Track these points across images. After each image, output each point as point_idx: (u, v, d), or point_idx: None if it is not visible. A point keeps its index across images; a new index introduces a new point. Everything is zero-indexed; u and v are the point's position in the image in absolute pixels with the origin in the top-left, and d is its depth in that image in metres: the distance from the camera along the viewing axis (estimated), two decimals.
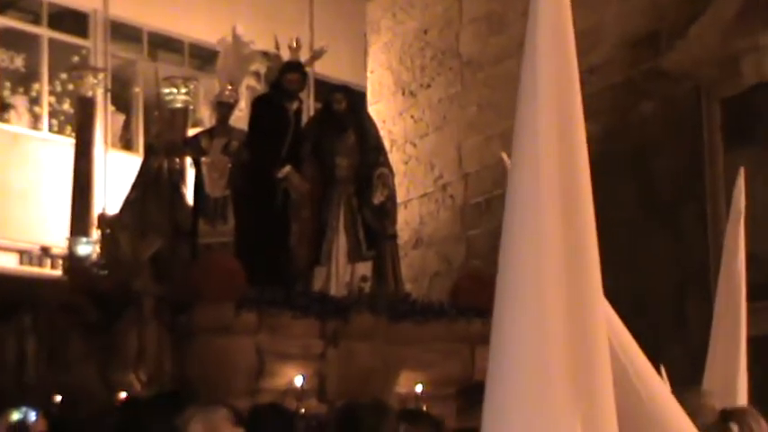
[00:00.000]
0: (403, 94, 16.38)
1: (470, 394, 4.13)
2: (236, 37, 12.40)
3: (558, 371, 1.85)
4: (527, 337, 1.86)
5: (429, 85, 15.97)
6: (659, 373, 5.48)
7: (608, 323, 2.14)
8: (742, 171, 5.14)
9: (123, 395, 9.44)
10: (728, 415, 2.75)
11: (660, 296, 11.74)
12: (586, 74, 12.54)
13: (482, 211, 14.39)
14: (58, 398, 9.62)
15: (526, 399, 1.84)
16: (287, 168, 11.21)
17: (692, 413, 2.74)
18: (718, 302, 4.42)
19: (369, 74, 17.13)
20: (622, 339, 2.26)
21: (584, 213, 1.94)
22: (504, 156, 2.68)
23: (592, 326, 1.89)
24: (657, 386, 2.31)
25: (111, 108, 18.22)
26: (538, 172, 1.93)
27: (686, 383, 4.56)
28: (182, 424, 4.21)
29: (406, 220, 15.24)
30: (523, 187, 1.94)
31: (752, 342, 4.79)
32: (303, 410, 9.72)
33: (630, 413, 1.98)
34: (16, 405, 10.51)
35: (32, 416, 10.00)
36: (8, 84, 18.01)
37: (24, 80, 18.22)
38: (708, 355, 4.05)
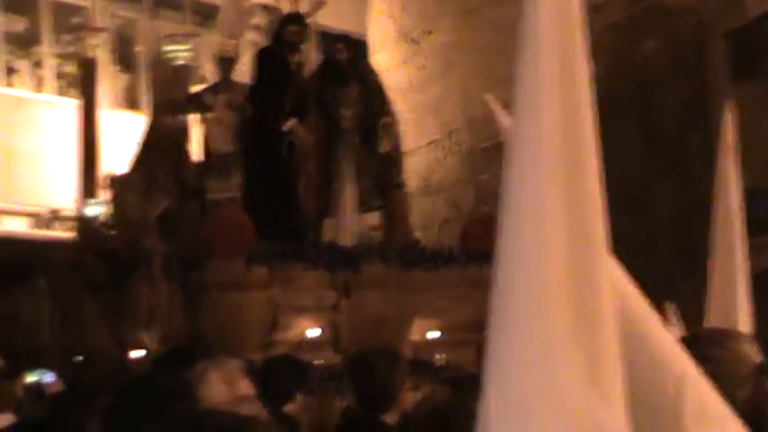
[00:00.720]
0: (405, 41, 16.31)
1: None
2: None
3: (561, 312, 1.84)
4: (528, 277, 1.86)
5: (431, 32, 15.89)
6: (666, 312, 5.49)
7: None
8: (729, 104, 5.11)
9: (136, 354, 9.49)
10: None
11: (667, 233, 11.74)
12: (590, 12, 12.49)
13: (490, 156, 14.35)
14: (73, 359, 9.66)
15: (527, 339, 1.83)
16: (292, 121, 11.20)
17: (731, 361, 2.73)
18: (712, 239, 4.39)
19: (370, 23, 17.04)
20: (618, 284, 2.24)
21: (588, 156, 1.92)
22: (488, 97, 2.66)
23: (594, 266, 1.88)
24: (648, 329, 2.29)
25: (114, 68, 18.18)
26: (540, 116, 1.91)
27: (696, 320, 4.56)
28: (195, 378, 4.21)
29: (414, 168, 15.21)
30: (525, 131, 1.92)
31: (758, 279, 4.76)
32: (317, 362, 9.75)
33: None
34: (32, 367, 10.59)
35: (48, 377, 10.07)
36: (11, 48, 17.97)
37: (26, 43, 18.18)
38: (706, 296, 4.03)
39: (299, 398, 6.08)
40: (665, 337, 2.30)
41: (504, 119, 2.36)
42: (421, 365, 7.58)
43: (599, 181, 1.92)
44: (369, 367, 5.15)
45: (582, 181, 1.91)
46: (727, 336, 2.95)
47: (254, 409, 3.98)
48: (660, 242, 11.55)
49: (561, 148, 1.90)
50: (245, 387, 4.10)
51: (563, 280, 1.86)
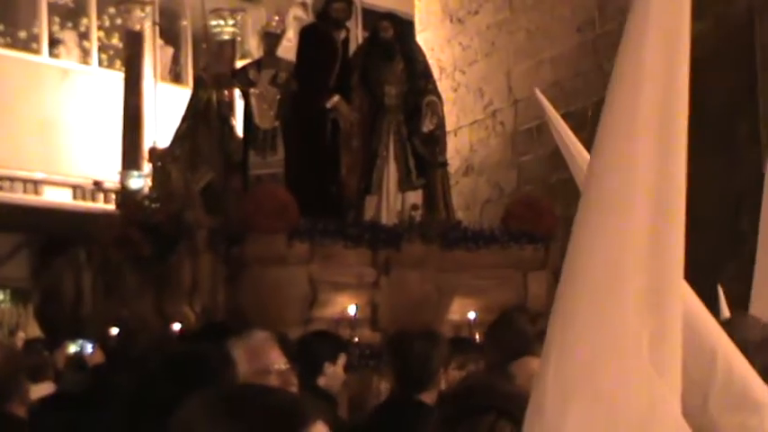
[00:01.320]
0: (451, 21, 16.25)
1: None
2: None
3: (632, 289, 1.84)
4: (605, 253, 1.86)
5: (477, 12, 15.84)
6: (716, 294, 5.46)
7: None
8: None
9: (178, 326, 9.54)
10: None
11: (715, 215, 11.66)
12: None
13: (533, 138, 14.31)
14: (114, 330, 9.73)
15: (595, 317, 1.84)
16: (335, 98, 11.18)
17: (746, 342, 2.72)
18: (763, 221, 4.33)
19: (416, 1, 17.00)
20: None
21: (679, 138, 1.92)
22: (538, 92, 2.65)
23: (672, 248, 1.89)
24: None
25: (159, 41, 18.24)
26: (637, 101, 1.91)
27: (743, 302, 4.52)
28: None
29: (457, 148, 15.19)
30: (620, 122, 1.92)
31: None
32: (356, 339, 9.77)
33: None
34: (73, 338, 10.67)
35: (89, 348, 10.14)
36: (57, 19, 18.05)
37: (73, 15, 18.26)
38: (754, 278, 3.98)
39: (336, 371, 6.08)
40: (703, 314, 2.31)
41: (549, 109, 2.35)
42: (465, 343, 7.55)
43: (684, 164, 1.93)
44: (409, 347, 5.15)
45: (671, 163, 1.91)
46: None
47: (276, 381, 3.96)
48: (706, 224, 11.48)
49: (654, 129, 1.91)
50: (274, 359, 4.08)
51: (640, 255, 1.87)
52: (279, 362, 4.08)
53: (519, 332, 4.57)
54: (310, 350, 5.94)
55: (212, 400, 1.85)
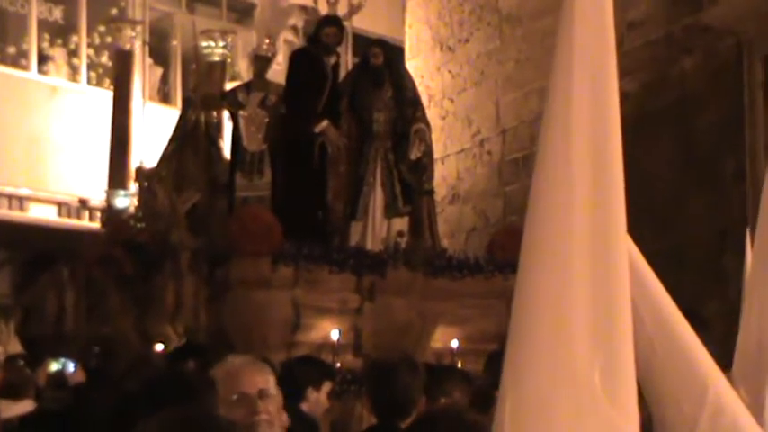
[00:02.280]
0: (441, 49, 16.30)
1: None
2: None
3: (579, 323, 1.87)
4: (549, 290, 1.89)
5: (467, 40, 15.88)
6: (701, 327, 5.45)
7: (636, 271, 2.17)
8: None
9: (160, 346, 9.52)
10: None
11: (699, 251, 11.70)
12: (626, 30, 12.46)
13: (519, 167, 14.34)
14: (96, 349, 9.70)
15: (545, 351, 1.87)
16: (324, 123, 11.20)
17: None
18: (756, 254, 4.32)
19: (407, 28, 17.05)
20: (650, 290, 2.28)
21: (614, 173, 1.95)
22: None
23: (615, 279, 1.91)
24: (680, 338, 2.32)
25: (148, 61, 18.25)
26: (569, 129, 1.94)
27: (723, 339, 4.52)
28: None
29: (444, 176, 15.21)
30: (554, 143, 1.95)
31: None
32: (339, 364, 9.77)
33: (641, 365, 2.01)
34: (55, 356, 10.63)
35: (71, 366, 10.10)
36: (47, 36, 18.06)
37: (63, 32, 18.27)
38: (741, 318, 3.97)
39: (319, 397, 6.08)
40: (696, 347, 2.32)
41: None
42: (448, 371, 7.54)
43: (622, 196, 1.96)
44: (388, 375, 5.15)
45: (607, 196, 1.94)
46: None
47: (241, 414, 3.93)
48: (688, 261, 11.51)
49: (588, 164, 1.94)
50: (246, 384, 4.06)
51: (584, 289, 1.90)
52: (251, 387, 4.06)
53: None
54: (294, 375, 5.95)
55: (167, 423, 1.85)
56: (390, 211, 11.33)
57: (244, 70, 14.52)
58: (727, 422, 2.24)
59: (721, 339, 4.39)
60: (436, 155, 13.17)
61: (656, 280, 2.28)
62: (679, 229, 11.81)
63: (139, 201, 12.18)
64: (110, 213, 13.32)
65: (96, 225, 14.15)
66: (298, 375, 6.03)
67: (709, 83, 11.98)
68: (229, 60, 13.88)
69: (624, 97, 12.33)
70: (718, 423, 2.23)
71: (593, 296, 1.88)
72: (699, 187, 11.91)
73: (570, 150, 1.92)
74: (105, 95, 16.67)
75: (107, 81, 17.53)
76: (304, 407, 5.90)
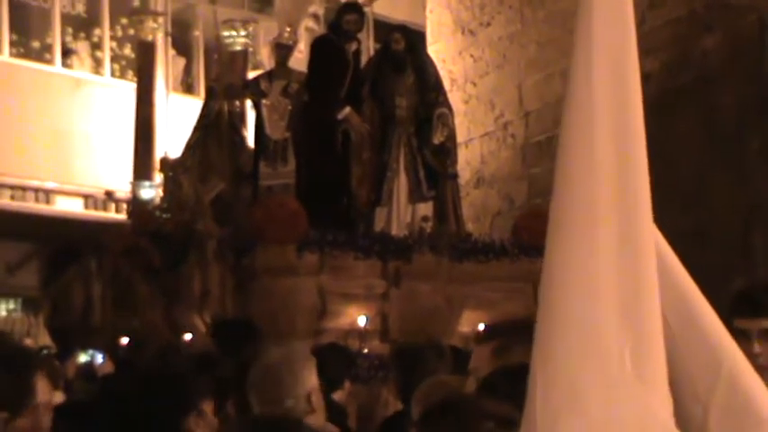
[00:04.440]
0: (462, 33, 16.26)
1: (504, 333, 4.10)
2: None
3: (607, 301, 1.87)
4: (576, 270, 1.89)
5: (489, 24, 15.84)
6: (724, 305, 5.44)
7: (661, 258, 2.16)
8: None
9: (188, 336, 9.56)
10: None
11: (725, 229, 11.64)
12: (647, 9, 12.40)
13: (543, 150, 14.30)
14: (124, 340, 9.75)
15: (574, 331, 1.87)
16: (346, 109, 11.20)
17: None
18: None
19: (428, 13, 17.02)
20: (663, 262, 2.27)
21: (637, 152, 1.95)
22: None
23: (642, 259, 1.91)
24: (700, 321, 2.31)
25: (171, 52, 18.30)
26: (592, 115, 1.94)
27: None
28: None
29: (467, 160, 15.19)
30: (577, 129, 1.95)
31: None
32: (366, 350, 9.78)
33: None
34: (83, 347, 10.69)
35: (99, 358, 10.16)
36: (70, 29, 18.13)
37: (86, 25, 18.35)
38: None
39: (347, 385, 6.11)
40: (714, 324, 2.32)
41: None
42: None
43: (647, 175, 1.95)
44: (414, 360, 5.15)
45: (631, 175, 1.94)
46: None
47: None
48: (714, 239, 11.46)
49: (611, 144, 1.94)
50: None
51: (611, 268, 1.90)
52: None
53: None
54: (331, 365, 5.94)
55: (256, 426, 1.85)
56: (415, 196, 11.33)
57: (266, 59, 14.51)
58: (740, 402, 2.23)
59: None
60: (460, 139, 13.15)
61: (670, 252, 2.27)
62: (704, 208, 11.76)
63: (164, 191, 12.24)
64: (135, 204, 13.39)
65: (122, 216, 14.21)
66: (331, 365, 6.03)
67: (731, 60, 11.92)
68: (251, 49, 13.91)
69: (646, 77, 12.27)
70: (732, 400, 2.23)
71: (620, 274, 1.88)
72: (723, 165, 11.86)
73: (593, 132, 1.92)
74: (129, 87, 16.74)
75: (130, 73, 17.59)
76: (336, 396, 5.91)
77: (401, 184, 11.32)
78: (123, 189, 14.97)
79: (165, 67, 17.79)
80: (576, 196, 1.91)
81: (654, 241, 1.95)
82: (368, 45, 15.94)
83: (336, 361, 6.16)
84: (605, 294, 1.86)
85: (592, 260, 1.88)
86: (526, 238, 10.69)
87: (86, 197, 17.27)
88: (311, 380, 4.09)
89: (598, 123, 1.93)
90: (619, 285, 1.87)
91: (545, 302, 1.90)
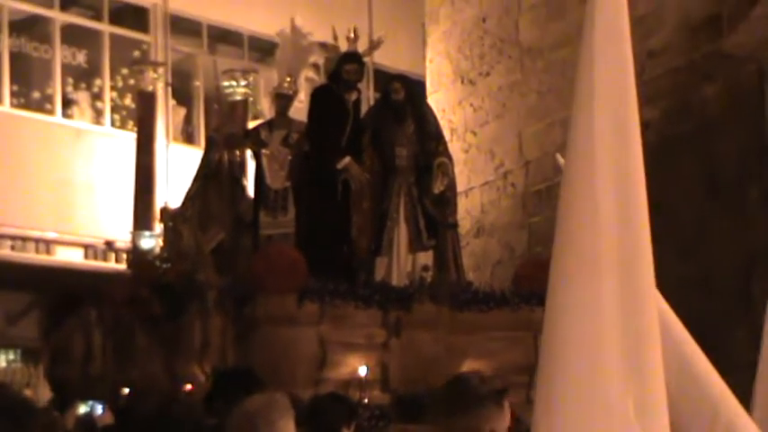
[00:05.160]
0: (462, 82, 16.32)
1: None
2: (294, 29, 12.43)
3: (611, 354, 1.87)
4: (580, 322, 1.88)
5: (488, 74, 15.90)
6: (726, 355, 5.41)
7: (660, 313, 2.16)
8: None
9: (188, 387, 9.51)
10: None
11: (725, 278, 11.63)
12: (647, 58, 12.45)
13: (544, 199, 14.31)
14: (124, 390, 9.71)
15: (579, 383, 1.86)
16: (347, 159, 11.22)
17: None
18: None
19: (428, 63, 17.09)
20: (662, 315, 2.27)
21: (638, 202, 1.95)
22: (559, 156, 2.68)
23: (644, 309, 1.91)
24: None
25: (171, 102, 18.36)
26: (593, 165, 1.94)
27: (750, 367, 4.48)
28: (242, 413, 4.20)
29: (468, 209, 15.20)
30: (579, 179, 1.95)
31: None
32: (366, 400, 9.74)
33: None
34: (83, 398, 10.64)
35: (99, 408, 10.12)
36: (71, 79, 18.20)
37: (86, 76, 18.41)
38: (761, 343, 3.91)
39: None
40: (710, 374, 2.32)
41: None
42: None
43: (648, 227, 1.95)
44: (415, 409, 5.14)
45: (633, 227, 1.94)
46: None
47: None
48: (715, 286, 11.45)
49: (612, 195, 1.94)
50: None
51: (613, 320, 1.89)
52: None
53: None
54: (327, 414, 5.93)
55: None
56: (415, 245, 11.33)
57: (266, 108, 14.55)
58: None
59: (747, 367, 4.36)
60: (460, 188, 13.17)
61: (667, 308, 2.27)
62: (704, 256, 11.75)
63: (165, 241, 12.22)
64: (135, 254, 13.36)
65: (122, 266, 14.18)
66: (331, 415, 6.01)
67: (730, 109, 11.95)
68: (251, 99, 13.95)
69: (646, 125, 12.31)
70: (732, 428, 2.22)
71: (623, 326, 1.88)
72: (723, 213, 11.86)
73: (594, 183, 1.92)
74: (129, 137, 16.76)
75: (131, 123, 17.63)
76: None
77: (401, 233, 11.32)
78: (123, 239, 14.95)
79: (166, 116, 17.84)
80: (578, 248, 1.91)
81: (654, 292, 1.95)
82: (368, 94, 16.02)
83: (335, 411, 6.14)
84: (608, 346, 1.85)
85: (595, 313, 1.87)
86: (527, 287, 10.67)
87: (87, 247, 17.26)
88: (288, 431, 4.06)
89: (599, 174, 1.93)
90: (621, 337, 1.86)
91: (548, 353, 1.89)
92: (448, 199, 11.61)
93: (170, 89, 18.02)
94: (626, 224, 1.93)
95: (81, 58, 18.34)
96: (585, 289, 1.90)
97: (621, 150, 1.96)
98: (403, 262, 11.28)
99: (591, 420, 1.85)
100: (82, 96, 18.30)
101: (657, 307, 2.15)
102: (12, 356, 18.66)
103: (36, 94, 17.86)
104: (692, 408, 2.23)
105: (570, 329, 1.89)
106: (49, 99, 17.82)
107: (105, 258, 17.11)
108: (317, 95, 11.80)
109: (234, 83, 13.21)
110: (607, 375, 1.86)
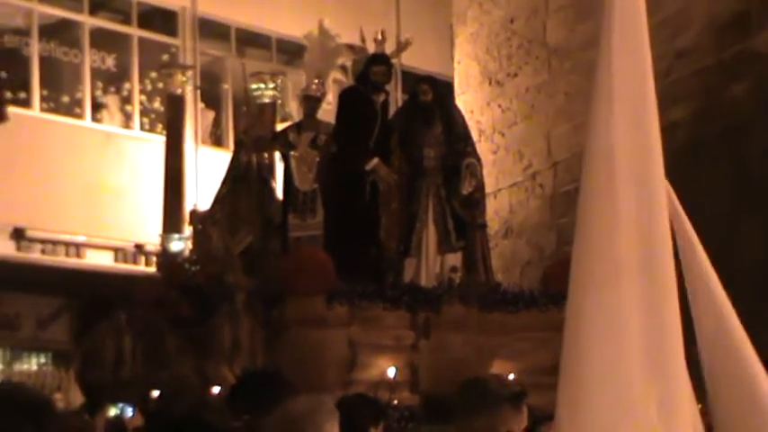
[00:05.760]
0: (490, 83, 16.32)
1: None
2: (322, 31, 12.45)
3: (633, 355, 1.86)
4: (603, 323, 1.89)
5: (516, 75, 15.89)
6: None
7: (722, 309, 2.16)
8: None
9: (217, 389, 9.53)
10: None
11: (752, 278, 11.59)
12: (674, 59, 12.42)
13: (572, 199, 14.24)
14: (155, 393, 9.73)
15: (602, 383, 1.86)
16: (375, 161, 11.22)
17: None
18: None
19: (455, 64, 17.09)
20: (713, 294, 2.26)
21: (658, 202, 1.94)
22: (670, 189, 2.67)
23: (666, 311, 1.91)
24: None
25: (200, 105, 18.41)
26: (612, 166, 1.94)
27: None
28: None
29: (496, 210, 15.19)
30: (598, 180, 1.95)
31: None
32: (395, 401, 9.74)
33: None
34: (113, 401, 10.68)
35: (129, 411, 10.16)
36: (100, 84, 18.28)
37: (116, 80, 18.49)
38: None
39: None
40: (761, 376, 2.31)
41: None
42: None
43: (669, 226, 1.95)
44: (443, 410, 5.14)
45: (653, 223, 1.94)
46: None
47: None
48: (744, 286, 11.40)
49: (633, 194, 1.93)
50: None
51: (636, 322, 1.89)
52: None
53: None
54: (355, 416, 5.93)
55: None
56: (444, 246, 11.32)
57: (294, 111, 14.58)
58: None
59: None
60: (488, 189, 13.16)
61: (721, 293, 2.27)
62: (735, 256, 11.71)
63: (194, 244, 12.26)
64: (165, 257, 13.41)
65: (152, 269, 14.24)
66: (358, 416, 6.02)
67: (759, 109, 11.91)
68: (280, 101, 13.98)
69: (674, 125, 12.30)
70: None
71: (645, 328, 1.87)
72: (753, 213, 11.82)
73: (614, 182, 1.92)
74: (158, 140, 16.82)
75: (160, 126, 17.69)
76: None
77: (430, 234, 11.31)
78: (153, 242, 15.00)
79: (194, 120, 17.90)
80: (598, 250, 1.91)
81: (675, 291, 1.94)
82: (396, 96, 16.02)
83: (363, 412, 6.14)
84: (630, 348, 1.85)
85: (616, 315, 1.87)
86: (555, 287, 10.64)
87: (116, 250, 17.33)
88: None
89: (618, 175, 1.92)
90: (643, 339, 1.86)
91: (570, 355, 1.89)
92: (476, 200, 11.59)
93: (199, 92, 18.08)
94: (646, 225, 1.93)
95: (110, 62, 18.42)
96: (606, 291, 1.90)
97: (641, 151, 1.96)
98: (432, 263, 11.28)
99: (613, 422, 1.84)
100: (111, 100, 18.39)
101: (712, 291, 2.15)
102: (43, 360, 18.76)
103: (65, 99, 17.95)
104: (746, 411, 2.23)
105: (591, 332, 1.89)
106: (78, 103, 17.91)
107: (135, 261, 17.18)
108: (345, 97, 11.81)
109: (262, 85, 13.24)
110: (629, 377, 1.86)
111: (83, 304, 12.57)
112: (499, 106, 16.13)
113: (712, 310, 2.27)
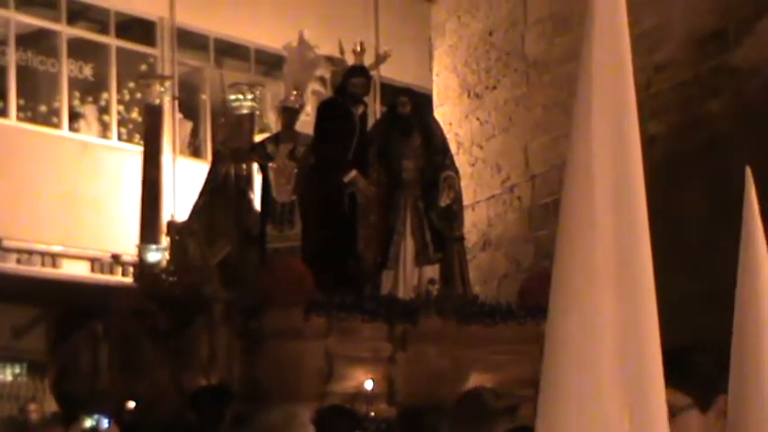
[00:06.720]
0: (468, 96, 16.34)
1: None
2: (301, 42, 12.45)
3: (608, 369, 1.87)
4: (579, 336, 1.89)
5: (495, 87, 15.92)
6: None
7: None
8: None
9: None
10: None
11: (730, 296, 11.62)
12: (653, 72, 12.46)
13: (550, 212, 14.31)
14: (131, 404, 9.70)
15: (576, 398, 1.87)
16: (353, 172, 11.23)
17: None
18: None
19: (434, 77, 17.11)
20: None
21: (638, 216, 1.95)
22: None
23: (643, 324, 1.91)
24: None
25: (178, 115, 18.36)
26: (592, 179, 1.94)
27: None
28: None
29: (474, 223, 15.20)
30: (577, 193, 1.95)
31: None
32: (372, 413, 9.73)
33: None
34: (89, 411, 10.64)
35: (105, 423, 10.11)
36: (77, 93, 18.21)
37: (93, 89, 18.42)
38: None
39: None
40: None
41: None
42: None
43: (648, 240, 1.95)
44: (419, 422, 5.15)
45: (631, 239, 1.94)
46: None
47: None
48: (723, 303, 11.44)
49: (612, 207, 1.94)
50: None
51: (613, 334, 1.89)
52: None
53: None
54: (330, 427, 5.93)
55: None
56: (421, 258, 11.32)
57: (273, 122, 14.57)
58: None
59: None
60: (466, 202, 13.17)
61: None
62: (713, 271, 11.74)
63: (171, 254, 12.23)
64: (142, 268, 13.36)
65: (129, 280, 14.19)
66: (335, 427, 6.01)
67: (737, 123, 11.95)
68: (258, 113, 13.95)
69: (653, 139, 12.34)
70: None
71: (622, 342, 1.87)
72: (731, 228, 11.85)
73: (593, 196, 1.92)
74: (136, 151, 16.76)
75: (137, 136, 17.63)
76: None
77: (408, 246, 11.32)
78: (130, 252, 14.95)
79: (172, 130, 17.84)
80: (577, 261, 1.91)
81: (654, 305, 1.94)
82: (374, 108, 16.02)
83: (340, 424, 6.14)
84: (606, 361, 1.86)
85: (592, 326, 1.87)
86: (532, 301, 10.66)
87: (93, 260, 17.25)
88: None
89: (598, 187, 1.93)
90: (620, 352, 1.87)
91: (548, 369, 1.90)
92: (454, 212, 11.61)
93: (177, 103, 18.02)
94: (624, 238, 1.93)
95: (87, 71, 18.35)
96: (583, 305, 1.90)
97: (621, 164, 1.96)
98: (409, 275, 11.28)
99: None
100: (88, 110, 18.31)
101: None
102: (18, 370, 18.65)
103: (43, 108, 17.88)
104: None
105: (568, 344, 1.90)
106: (55, 112, 17.84)
107: (112, 272, 17.11)
108: (324, 109, 11.81)
109: (240, 96, 13.22)
110: (603, 391, 1.86)
111: (59, 314, 12.55)
112: (477, 119, 16.15)
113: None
